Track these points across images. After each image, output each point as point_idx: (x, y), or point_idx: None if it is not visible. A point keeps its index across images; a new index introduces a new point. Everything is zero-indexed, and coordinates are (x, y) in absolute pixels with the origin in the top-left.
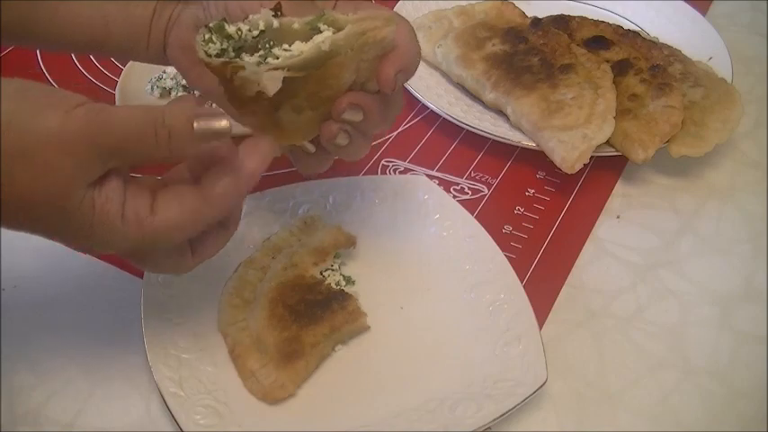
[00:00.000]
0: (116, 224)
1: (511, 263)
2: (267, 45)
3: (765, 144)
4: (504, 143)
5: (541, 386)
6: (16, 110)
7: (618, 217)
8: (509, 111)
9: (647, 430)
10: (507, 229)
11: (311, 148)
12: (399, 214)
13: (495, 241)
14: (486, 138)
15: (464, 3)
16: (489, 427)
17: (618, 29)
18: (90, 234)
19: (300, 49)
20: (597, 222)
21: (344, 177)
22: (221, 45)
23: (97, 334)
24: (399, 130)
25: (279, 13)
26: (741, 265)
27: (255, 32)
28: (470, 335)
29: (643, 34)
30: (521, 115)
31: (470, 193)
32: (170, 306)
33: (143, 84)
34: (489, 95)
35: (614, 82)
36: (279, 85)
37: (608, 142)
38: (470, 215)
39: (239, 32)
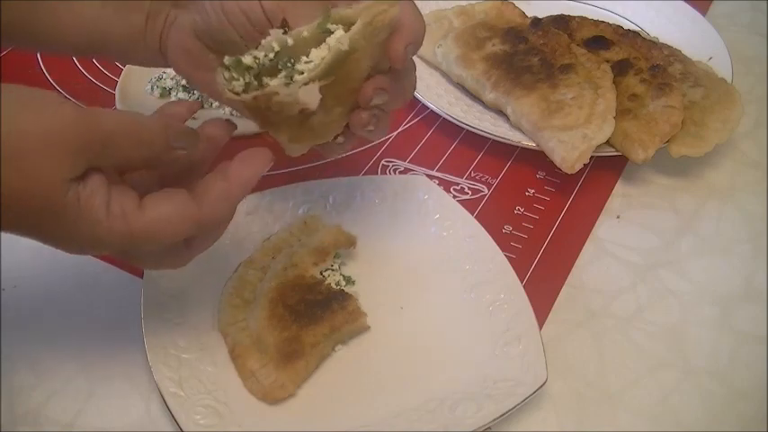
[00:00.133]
0: (100, 218)
1: (511, 263)
2: (288, 64)
3: (765, 144)
4: (504, 143)
5: (541, 386)
6: (3, 109)
7: (618, 217)
8: (509, 111)
9: (647, 430)
10: (507, 229)
11: (342, 140)
12: (399, 214)
13: (495, 241)
14: (486, 138)
15: (464, 3)
16: (489, 427)
17: (618, 29)
18: (76, 230)
19: (320, 56)
20: (597, 222)
21: (344, 177)
22: (245, 79)
23: (97, 334)
24: (399, 130)
25: (287, 29)
26: (741, 265)
27: (272, 55)
28: (470, 335)
29: (643, 34)
30: (521, 115)
31: (470, 193)
32: (170, 306)
33: (143, 84)
34: (489, 95)
35: (614, 82)
36: (318, 96)
37: (608, 142)
38: (470, 215)
39: (257, 61)
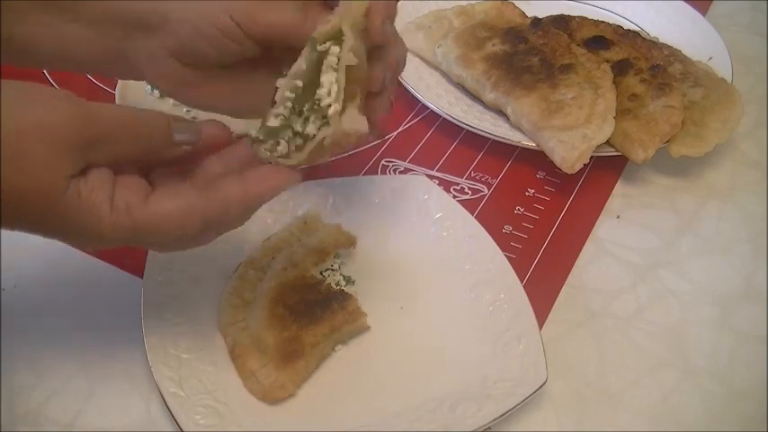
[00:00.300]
0: (104, 213)
1: (511, 263)
2: (314, 105)
3: (765, 144)
4: (504, 143)
5: (541, 386)
6: (1, 105)
7: (618, 217)
8: (509, 111)
9: (647, 430)
10: (507, 229)
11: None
12: (399, 214)
13: (495, 241)
14: (486, 138)
15: (464, 3)
16: (489, 427)
17: (618, 29)
18: (78, 225)
19: (332, 80)
20: (597, 222)
21: (344, 177)
22: (285, 140)
23: (97, 334)
24: (399, 130)
25: (285, 72)
26: (741, 265)
27: (289, 103)
28: (470, 335)
29: (643, 34)
30: (521, 115)
31: (470, 193)
32: (170, 306)
33: (143, 84)
34: (489, 95)
35: (614, 82)
36: (364, 120)
37: (608, 142)
38: (470, 215)
39: (284, 119)
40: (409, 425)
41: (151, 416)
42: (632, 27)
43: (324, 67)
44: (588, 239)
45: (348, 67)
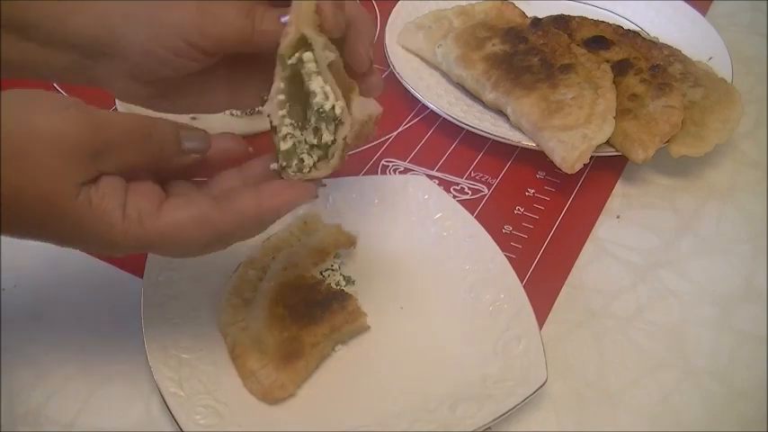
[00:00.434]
0: (115, 220)
1: (511, 263)
2: (317, 116)
3: (765, 144)
4: (504, 143)
5: (541, 386)
6: (11, 114)
7: (618, 217)
8: (509, 111)
9: (647, 430)
10: (507, 229)
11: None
12: (399, 214)
13: (495, 241)
14: (486, 138)
15: (464, 3)
16: (489, 427)
17: (618, 29)
18: (89, 233)
19: (321, 84)
20: (597, 222)
21: (344, 177)
22: (307, 153)
23: (97, 334)
24: (399, 130)
25: (264, 97)
26: (741, 265)
27: (290, 120)
28: (470, 335)
29: (643, 34)
30: (521, 115)
31: (470, 193)
32: (170, 306)
33: None
34: (489, 95)
35: (614, 82)
36: (372, 101)
37: (608, 142)
38: (470, 215)
39: (292, 136)
40: (409, 425)
41: (151, 416)
42: (632, 27)
43: (306, 78)
44: (588, 239)
45: (330, 63)
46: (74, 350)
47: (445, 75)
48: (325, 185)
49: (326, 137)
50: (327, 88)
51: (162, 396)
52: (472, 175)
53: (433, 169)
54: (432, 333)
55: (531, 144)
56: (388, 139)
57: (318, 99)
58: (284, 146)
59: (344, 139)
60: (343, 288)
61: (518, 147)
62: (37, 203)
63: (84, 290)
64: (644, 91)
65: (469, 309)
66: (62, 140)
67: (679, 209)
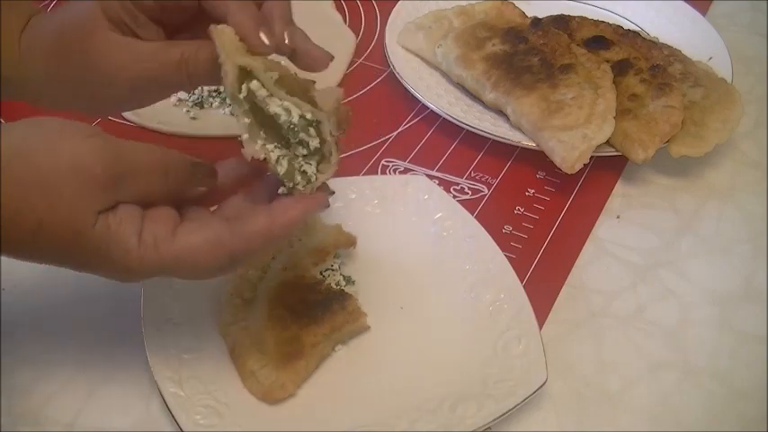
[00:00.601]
0: (131, 246)
1: (511, 263)
2: (293, 133)
3: (765, 144)
4: (504, 143)
5: (541, 386)
6: (34, 142)
7: (618, 217)
8: (509, 111)
9: (647, 430)
10: (507, 229)
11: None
12: (399, 214)
13: (495, 241)
14: (486, 138)
15: (464, 3)
16: (489, 427)
17: (618, 29)
18: (106, 259)
19: (279, 103)
20: (597, 222)
21: (344, 177)
22: (305, 163)
23: (97, 334)
24: (399, 130)
25: (239, 139)
26: (741, 265)
27: (273, 145)
28: (470, 335)
29: (643, 34)
30: (521, 115)
31: (470, 193)
32: (170, 306)
33: None
34: (489, 95)
35: (614, 82)
36: (332, 87)
37: (608, 142)
38: (470, 215)
39: (287, 155)
40: (409, 425)
41: (151, 416)
42: (632, 27)
43: (263, 105)
44: (588, 239)
45: (278, 77)
46: (74, 350)
47: (445, 75)
48: (334, 193)
49: (313, 142)
50: (286, 104)
51: (162, 396)
52: (472, 175)
53: (433, 169)
54: (432, 333)
55: (531, 144)
56: (388, 139)
57: (284, 118)
58: (282, 169)
59: (331, 133)
60: (343, 288)
61: (518, 147)
62: (57, 231)
63: (84, 290)
64: (644, 91)
65: (469, 309)
66: (83, 169)
67: (679, 209)
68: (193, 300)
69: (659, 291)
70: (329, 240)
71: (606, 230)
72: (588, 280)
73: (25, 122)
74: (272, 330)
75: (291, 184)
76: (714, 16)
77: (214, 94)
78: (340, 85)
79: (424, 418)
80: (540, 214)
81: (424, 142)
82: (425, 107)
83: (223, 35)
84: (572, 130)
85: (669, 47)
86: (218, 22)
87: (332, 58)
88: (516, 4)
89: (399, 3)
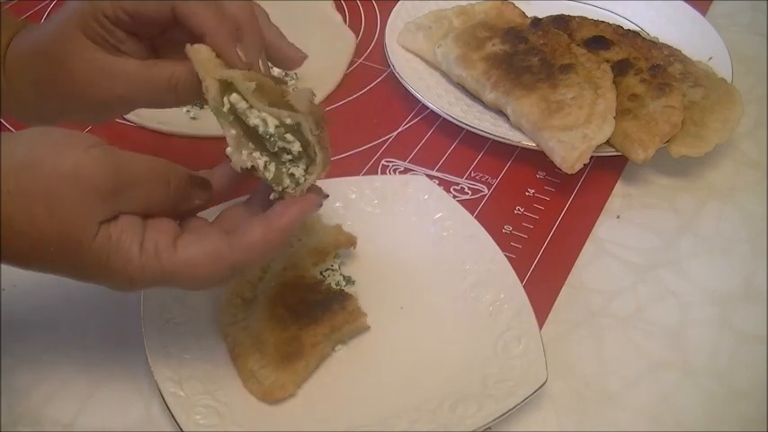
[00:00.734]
0: (133, 255)
1: (511, 263)
2: (276, 138)
3: (765, 144)
4: (504, 143)
5: (541, 386)
6: (40, 153)
7: (618, 217)
8: (509, 111)
9: (647, 430)
10: (507, 229)
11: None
12: (399, 214)
13: (495, 241)
14: (486, 138)
15: (464, 3)
16: (489, 427)
17: (618, 29)
18: (108, 269)
19: (259, 114)
20: (597, 222)
21: (344, 177)
22: (294, 166)
23: (97, 334)
24: (399, 130)
25: (226, 153)
26: (741, 265)
27: (259, 153)
28: (470, 335)
29: (643, 34)
30: (521, 115)
31: (470, 193)
32: (170, 306)
33: None
34: (489, 95)
35: (614, 82)
36: (306, 88)
37: (608, 142)
38: (470, 215)
39: (273, 160)
40: (409, 425)
41: (151, 416)
42: (632, 27)
43: (244, 117)
44: (588, 239)
45: (255, 91)
46: (74, 350)
47: (445, 75)
48: (328, 196)
49: (295, 147)
50: (264, 114)
51: (162, 396)
52: (472, 175)
53: (433, 169)
54: (432, 333)
55: (531, 144)
56: (388, 139)
57: (264, 129)
58: (270, 175)
59: (312, 132)
60: (343, 288)
61: (518, 147)
62: (59, 241)
63: (83, 289)
64: (644, 91)
65: (469, 309)
66: (84, 180)
67: (679, 209)
68: (193, 300)
69: (659, 291)
70: (329, 240)
71: (606, 230)
72: (588, 280)
73: (32, 132)
74: (272, 330)
75: (281, 188)
76: (714, 16)
77: None
78: (340, 84)
79: (424, 418)
80: (540, 214)
81: (423, 142)
82: (425, 107)
83: (199, 53)
84: (572, 130)
85: (669, 47)
86: (194, 34)
87: (305, 57)
88: (516, 4)
89: (399, 3)
